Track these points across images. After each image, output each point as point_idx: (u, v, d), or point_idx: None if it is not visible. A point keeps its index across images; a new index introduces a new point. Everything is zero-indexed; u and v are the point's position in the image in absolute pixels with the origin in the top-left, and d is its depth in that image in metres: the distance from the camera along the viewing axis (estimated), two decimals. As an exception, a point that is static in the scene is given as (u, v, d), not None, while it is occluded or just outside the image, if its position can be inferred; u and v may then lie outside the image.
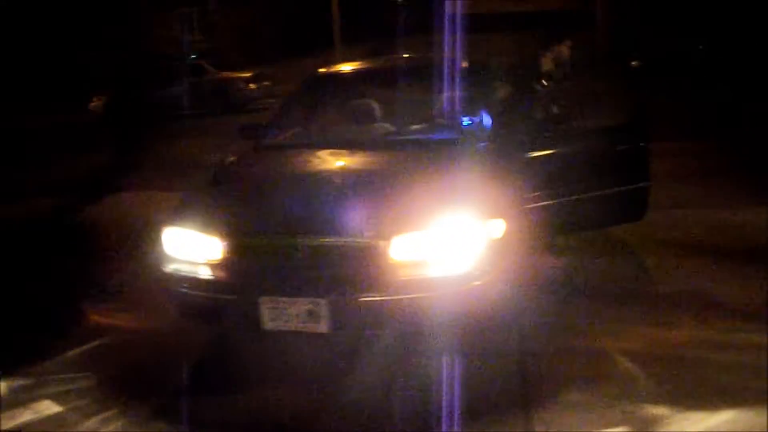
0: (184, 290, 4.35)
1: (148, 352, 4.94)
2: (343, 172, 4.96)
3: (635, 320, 4.93)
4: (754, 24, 17.82)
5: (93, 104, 19.98)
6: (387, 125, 5.66)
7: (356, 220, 4.12)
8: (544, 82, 5.84)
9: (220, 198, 4.81)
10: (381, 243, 4.00)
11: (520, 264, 4.73)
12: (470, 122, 5.45)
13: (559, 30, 5.85)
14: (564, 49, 5.87)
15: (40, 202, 8.84)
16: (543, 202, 5.33)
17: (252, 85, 21.42)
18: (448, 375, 4.26)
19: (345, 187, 4.62)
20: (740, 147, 10.46)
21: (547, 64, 6.02)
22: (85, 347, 5.05)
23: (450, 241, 4.06)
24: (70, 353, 4.96)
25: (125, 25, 22.28)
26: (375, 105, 5.75)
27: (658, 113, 13.32)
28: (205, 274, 4.28)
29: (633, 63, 19.39)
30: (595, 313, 5.07)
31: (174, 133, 14.34)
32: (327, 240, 4.07)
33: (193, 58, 24.71)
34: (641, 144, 5.84)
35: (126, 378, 4.60)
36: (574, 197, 5.52)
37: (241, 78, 21.47)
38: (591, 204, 5.59)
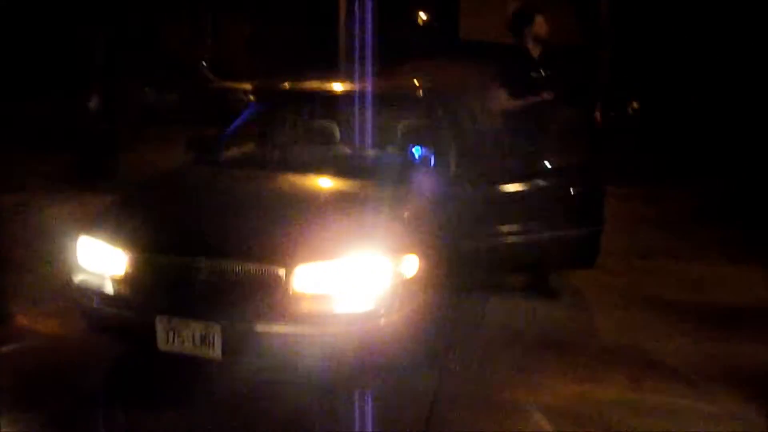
0: (90, 303, 4.26)
1: (59, 360, 4.87)
2: (260, 195, 4.86)
3: (564, 373, 4.78)
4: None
5: (92, 102, 19.96)
6: (322, 150, 5.59)
7: (260, 245, 4.03)
8: (542, 71, 5.82)
9: (138, 210, 4.69)
10: (283, 271, 3.89)
11: (441, 304, 4.63)
12: (407, 154, 5.36)
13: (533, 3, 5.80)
14: (541, 22, 5.80)
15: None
16: (480, 240, 5.24)
17: (252, 97, 21.36)
18: (349, 415, 4.16)
19: (257, 210, 4.52)
20: (723, 195, 10.35)
21: (534, 49, 5.96)
22: (5, 348, 5.03)
23: (355, 276, 3.96)
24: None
25: (137, 26, 22.16)
26: (314, 127, 5.70)
27: (638, 158, 13.42)
28: (109, 287, 4.19)
29: (633, 104, 19.36)
30: (523, 361, 4.94)
31: (161, 138, 14.29)
32: (228, 263, 3.96)
33: (203, 65, 24.70)
34: (596, 187, 5.76)
35: (30, 384, 4.54)
36: (517, 237, 5.44)
37: (241, 89, 21.33)
38: (537, 245, 5.51)
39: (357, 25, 20.03)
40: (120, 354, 4.80)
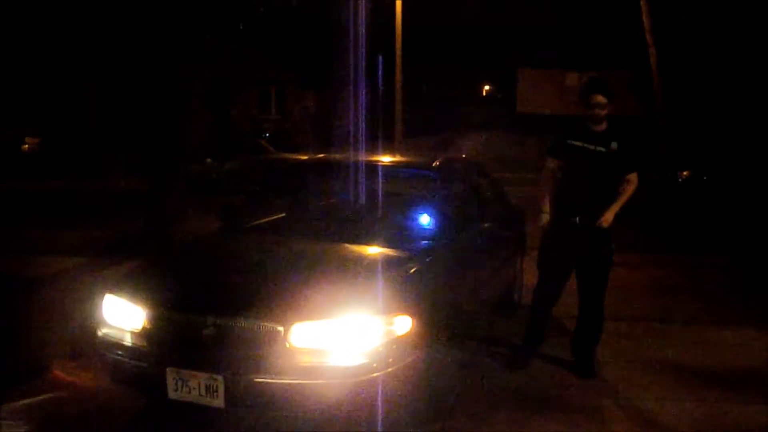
0: (111, 354, 4.66)
1: (87, 409, 5.27)
2: (268, 259, 5.23)
3: (563, 432, 4.93)
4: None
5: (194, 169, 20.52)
6: (332, 217, 6.01)
7: (261, 304, 4.39)
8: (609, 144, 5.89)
9: (159, 272, 5.16)
10: (281, 328, 4.23)
11: (438, 362, 4.90)
12: (411, 221, 5.72)
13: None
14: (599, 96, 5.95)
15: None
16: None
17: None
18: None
19: (263, 272, 4.90)
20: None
21: (598, 122, 6.03)
22: (36, 398, 5.40)
23: (348, 333, 4.28)
24: (25, 401, 5.33)
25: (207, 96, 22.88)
26: (327, 197, 6.08)
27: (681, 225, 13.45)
28: (128, 341, 4.59)
29: (684, 173, 19.34)
30: (524, 420, 5.11)
31: (213, 208, 14.84)
32: (231, 320, 4.32)
33: (265, 136, 25.35)
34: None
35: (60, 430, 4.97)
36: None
37: (293, 161, 21.71)
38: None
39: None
40: (141, 405, 5.16)
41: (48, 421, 5.11)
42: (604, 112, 5.77)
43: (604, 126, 5.87)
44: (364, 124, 20.01)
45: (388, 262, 4.99)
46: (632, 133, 5.98)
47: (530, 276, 6.26)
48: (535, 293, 6.21)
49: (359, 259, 5.21)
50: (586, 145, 5.81)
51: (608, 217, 5.75)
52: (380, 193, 6.15)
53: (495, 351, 6.41)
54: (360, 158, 6.70)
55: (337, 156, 7.18)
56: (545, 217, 6.02)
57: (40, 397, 5.42)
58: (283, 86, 35.50)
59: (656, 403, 5.43)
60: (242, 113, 31.53)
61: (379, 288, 4.57)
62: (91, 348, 5.13)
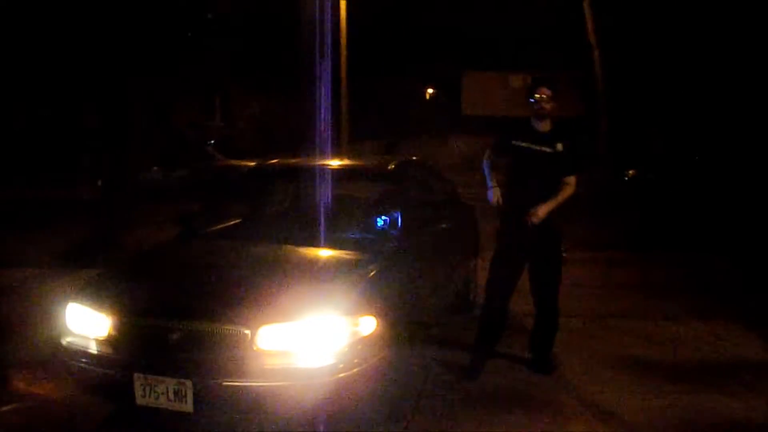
0: (76, 362, 4.64)
1: (49, 419, 5.25)
2: (231, 264, 5.28)
3: (521, 427, 5.04)
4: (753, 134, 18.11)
5: (101, 181, 20.47)
6: (293, 222, 6.05)
7: (227, 308, 4.43)
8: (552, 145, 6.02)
9: (121, 280, 5.15)
10: (248, 331, 4.27)
11: (403, 361, 4.98)
12: (373, 223, 5.80)
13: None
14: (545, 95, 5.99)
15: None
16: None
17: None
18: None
19: (226, 277, 4.95)
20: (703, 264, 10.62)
21: (543, 123, 6.11)
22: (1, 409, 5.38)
23: (314, 335, 4.33)
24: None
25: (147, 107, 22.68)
26: (288, 202, 6.14)
27: (628, 223, 13.73)
28: (94, 349, 4.58)
29: (630, 171, 19.71)
30: (488, 418, 5.20)
31: (166, 215, 14.76)
32: (198, 324, 4.35)
33: (211, 143, 25.21)
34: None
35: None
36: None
37: (245, 168, 21.61)
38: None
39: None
40: (106, 412, 5.15)
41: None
42: (548, 107, 5.85)
43: (548, 126, 5.96)
44: (326, 127, 20.00)
45: (349, 264, 5.07)
46: (575, 135, 6.06)
47: (484, 275, 6.34)
48: (487, 291, 6.26)
49: (320, 262, 5.28)
50: (531, 145, 5.89)
51: (539, 213, 5.78)
52: (337, 197, 6.23)
53: (453, 350, 6.50)
54: (316, 162, 6.76)
55: (293, 161, 7.23)
56: (496, 192, 6.05)
57: (2, 408, 5.38)
58: (227, 93, 35.33)
59: (614, 396, 5.58)
60: (186, 120, 31.31)
61: (344, 289, 4.64)
62: (55, 357, 5.12)
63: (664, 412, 5.30)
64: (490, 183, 6.10)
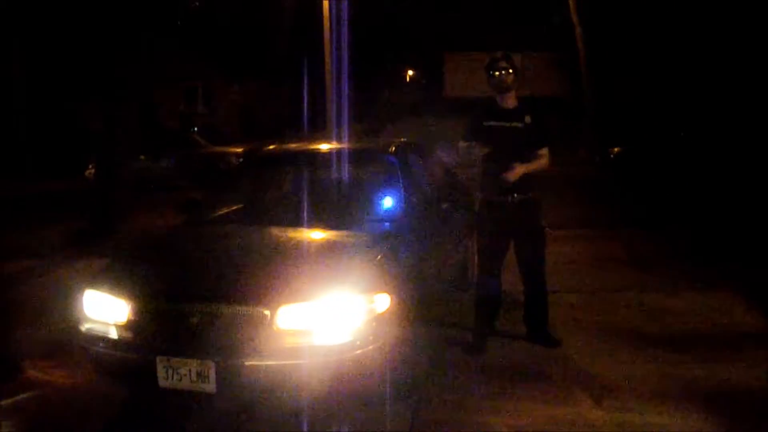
0: (96, 348, 4.74)
1: (65, 406, 5.34)
2: (246, 247, 5.37)
3: (533, 398, 5.17)
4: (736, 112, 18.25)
5: (88, 171, 20.42)
6: (302, 205, 6.13)
7: (247, 289, 4.54)
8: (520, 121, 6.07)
9: (137, 265, 5.23)
10: (268, 312, 4.38)
11: (414, 338, 5.11)
12: (379, 205, 5.90)
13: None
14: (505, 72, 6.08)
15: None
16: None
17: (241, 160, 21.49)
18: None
19: (243, 259, 5.06)
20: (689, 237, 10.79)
21: (508, 100, 6.16)
22: (16, 398, 5.43)
23: (332, 313, 4.44)
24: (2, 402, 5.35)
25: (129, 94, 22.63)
26: (295, 185, 6.23)
27: (614, 201, 13.89)
28: (114, 334, 4.68)
29: (614, 149, 19.81)
30: (495, 389, 5.34)
31: (157, 202, 14.86)
32: (219, 306, 4.46)
33: (193, 130, 25.18)
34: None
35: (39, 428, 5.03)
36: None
37: (231, 153, 21.62)
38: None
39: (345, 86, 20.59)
40: (122, 399, 5.25)
41: (32, 420, 5.17)
42: (509, 79, 5.95)
43: (514, 101, 6.07)
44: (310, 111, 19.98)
45: (361, 244, 5.18)
46: (542, 109, 6.18)
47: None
48: (479, 270, 6.40)
49: (332, 242, 5.37)
50: (501, 123, 6.00)
51: (516, 171, 5.86)
52: (341, 179, 6.33)
53: (457, 327, 6.64)
54: (319, 146, 6.86)
55: (294, 145, 7.31)
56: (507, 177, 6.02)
57: (18, 397, 5.44)
58: (209, 82, 35.27)
59: (615, 367, 5.72)
60: (169, 109, 31.26)
61: (359, 267, 4.75)
62: (73, 344, 5.20)
63: (662, 379, 5.45)
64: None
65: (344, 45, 21.38)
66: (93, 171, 19.99)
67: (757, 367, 5.62)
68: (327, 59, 24.19)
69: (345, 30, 21.63)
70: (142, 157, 20.34)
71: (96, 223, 11.61)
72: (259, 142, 21.68)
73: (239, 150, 21.90)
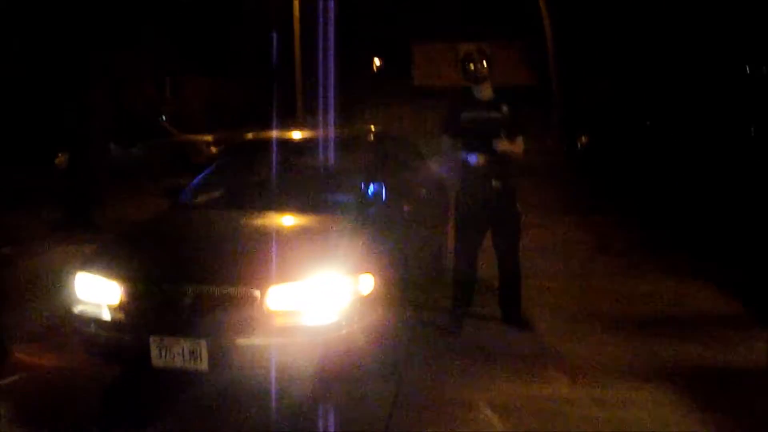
0: (88, 330, 4.88)
1: (59, 388, 5.41)
2: (234, 230, 5.52)
3: (510, 377, 5.38)
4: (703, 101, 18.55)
5: (58, 159, 20.34)
6: (287, 189, 6.29)
7: (238, 271, 4.70)
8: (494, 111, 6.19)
9: (128, 248, 5.38)
10: (257, 292, 4.54)
11: (396, 318, 5.30)
12: (361, 189, 6.06)
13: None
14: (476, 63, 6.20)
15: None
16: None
17: (213, 148, 21.55)
18: (320, 418, 4.81)
19: (232, 242, 5.21)
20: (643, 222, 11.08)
21: (483, 90, 6.32)
22: (6, 380, 5.52)
23: (319, 293, 4.61)
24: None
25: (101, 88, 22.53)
26: (279, 170, 6.40)
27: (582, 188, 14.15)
28: (106, 315, 4.81)
29: (582, 138, 20.11)
30: (474, 368, 5.55)
31: (130, 190, 14.91)
32: (210, 287, 4.61)
33: (162, 119, 25.13)
34: None
35: (33, 412, 5.10)
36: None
37: (202, 141, 21.64)
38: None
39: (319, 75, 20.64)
40: (113, 380, 5.39)
41: (22, 402, 5.23)
42: (485, 70, 6.13)
43: (490, 92, 6.23)
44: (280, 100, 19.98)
45: (345, 226, 5.33)
46: (516, 99, 6.28)
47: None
48: (456, 256, 6.55)
49: (318, 225, 5.50)
50: (480, 113, 6.16)
51: (501, 144, 6.08)
52: (320, 166, 6.51)
53: (431, 310, 6.86)
54: (299, 133, 7.01)
55: (273, 132, 7.45)
56: (481, 158, 6.15)
57: (8, 380, 5.53)
58: (178, 74, 35.08)
59: (587, 348, 5.96)
60: (138, 98, 31.09)
61: (345, 249, 4.93)
62: (65, 326, 5.31)
63: (633, 358, 5.70)
64: (467, 154, 6.22)
65: (320, 38, 21.42)
66: (63, 159, 20.03)
67: (720, 345, 5.91)
68: (297, 51, 24.30)
69: (319, 23, 21.68)
70: (112, 145, 20.32)
71: (72, 211, 11.64)
72: (229, 131, 21.93)
73: (209, 138, 21.96)
